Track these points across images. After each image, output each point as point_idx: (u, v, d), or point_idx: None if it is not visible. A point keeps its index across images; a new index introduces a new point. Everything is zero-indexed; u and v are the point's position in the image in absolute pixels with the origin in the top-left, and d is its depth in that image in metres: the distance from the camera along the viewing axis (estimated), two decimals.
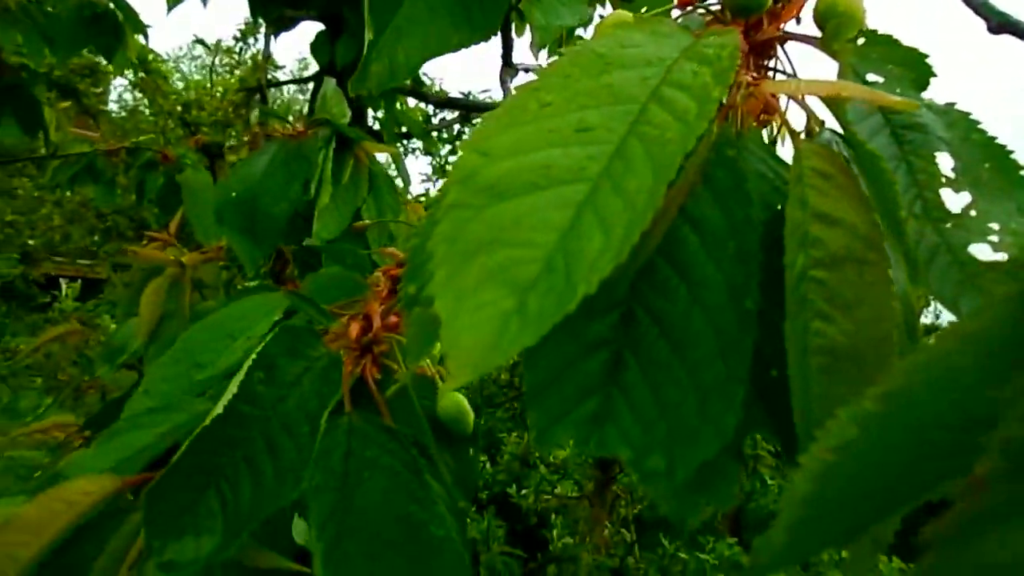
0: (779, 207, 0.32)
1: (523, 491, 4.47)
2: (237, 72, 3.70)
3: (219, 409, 0.34)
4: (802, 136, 0.30)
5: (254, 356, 0.37)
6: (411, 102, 2.06)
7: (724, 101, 0.28)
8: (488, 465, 5.30)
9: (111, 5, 2.14)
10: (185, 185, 1.75)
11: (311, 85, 1.75)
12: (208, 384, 0.51)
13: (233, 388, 0.36)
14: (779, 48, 0.37)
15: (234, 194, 0.97)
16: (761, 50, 0.37)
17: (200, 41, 3.36)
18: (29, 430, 1.12)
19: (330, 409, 0.39)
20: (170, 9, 1.39)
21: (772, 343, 0.31)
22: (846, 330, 0.25)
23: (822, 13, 0.34)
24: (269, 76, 1.85)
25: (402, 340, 0.47)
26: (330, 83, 1.02)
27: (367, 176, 1.01)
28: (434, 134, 2.21)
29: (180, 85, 4.30)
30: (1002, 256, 0.29)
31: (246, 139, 2.28)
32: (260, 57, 3.13)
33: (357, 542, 0.38)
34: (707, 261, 0.27)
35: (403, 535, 0.40)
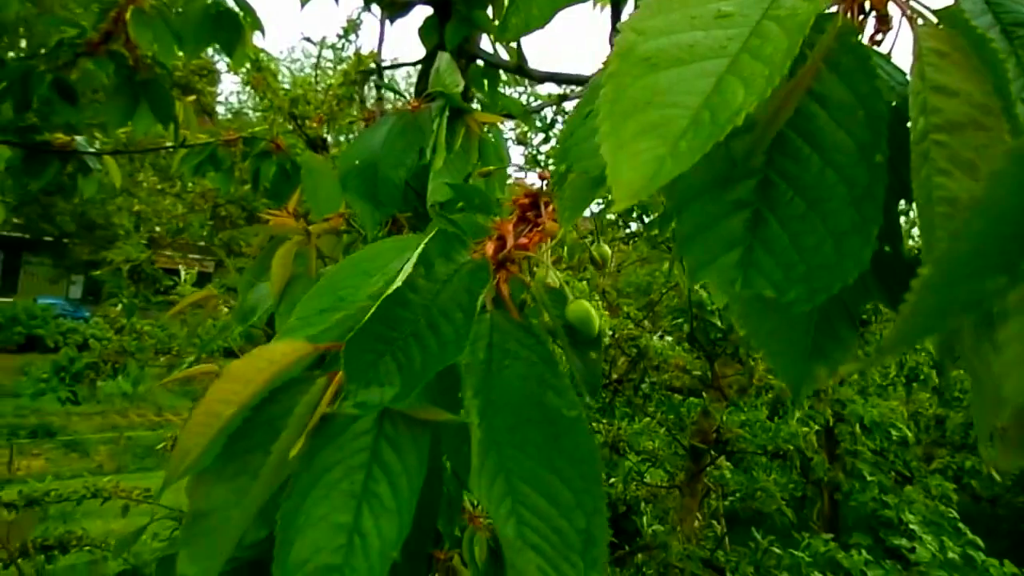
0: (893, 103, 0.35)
1: (611, 479, 4.49)
2: (341, 67, 3.89)
3: (393, 288, 0.40)
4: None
5: (416, 255, 0.44)
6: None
7: None
8: None
9: (233, 4, 2.30)
10: (304, 165, 1.87)
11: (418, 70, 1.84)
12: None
13: (402, 277, 0.42)
14: None
15: (357, 162, 1.06)
16: None
17: (307, 39, 3.55)
18: (173, 377, 1.25)
19: (480, 301, 0.44)
20: (304, 5, 1.49)
21: (887, 223, 0.35)
22: (966, 186, 0.28)
23: None
24: (379, 62, 1.95)
25: (532, 255, 0.53)
26: (444, 56, 1.09)
27: (477, 144, 1.08)
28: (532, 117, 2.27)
29: (286, 84, 4.54)
30: None
31: (363, 117, 2.41)
32: (370, 52, 3.30)
33: (500, 415, 0.44)
34: (837, 130, 0.31)
35: (539, 415, 0.45)
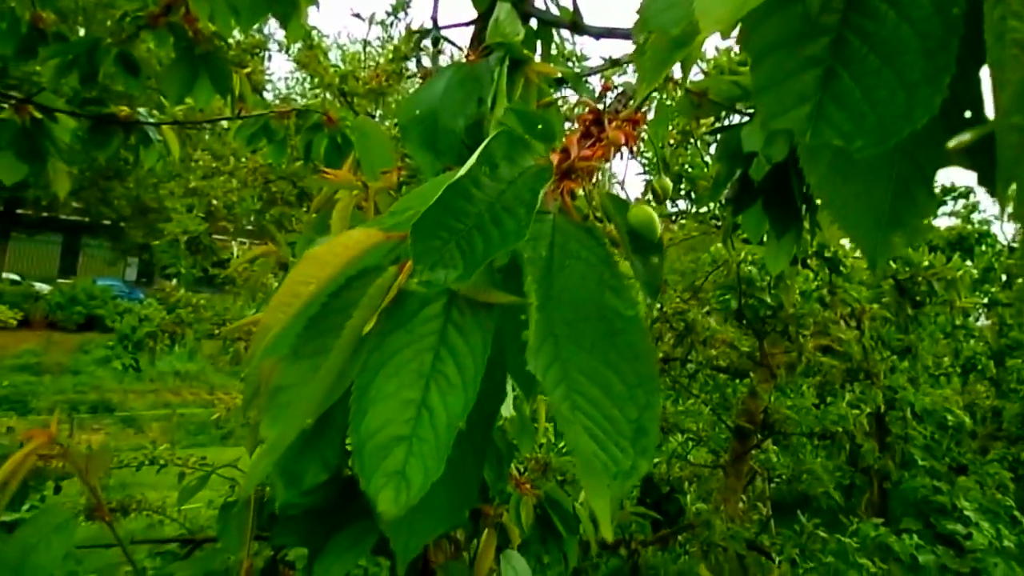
0: None
1: (655, 460, 4.48)
2: (389, 45, 3.93)
3: (456, 177, 0.42)
4: None
5: (481, 150, 0.45)
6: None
7: None
8: None
9: None
10: (357, 128, 1.91)
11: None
12: None
13: (467, 166, 0.43)
14: None
15: (417, 112, 1.08)
16: None
17: (356, 15, 3.60)
18: (232, 328, 1.29)
19: (542, 196, 0.46)
20: None
21: (968, 89, 0.35)
22: None
23: None
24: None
25: (595, 165, 0.54)
26: (504, 6, 1.10)
27: (536, 94, 1.09)
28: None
29: (337, 62, 4.60)
30: None
31: (421, 75, 2.44)
32: (417, 26, 3.33)
33: (559, 310, 0.45)
34: None
35: (597, 313, 0.46)
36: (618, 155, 0.59)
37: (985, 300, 6.63)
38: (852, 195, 0.41)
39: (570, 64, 2.42)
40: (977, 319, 7.36)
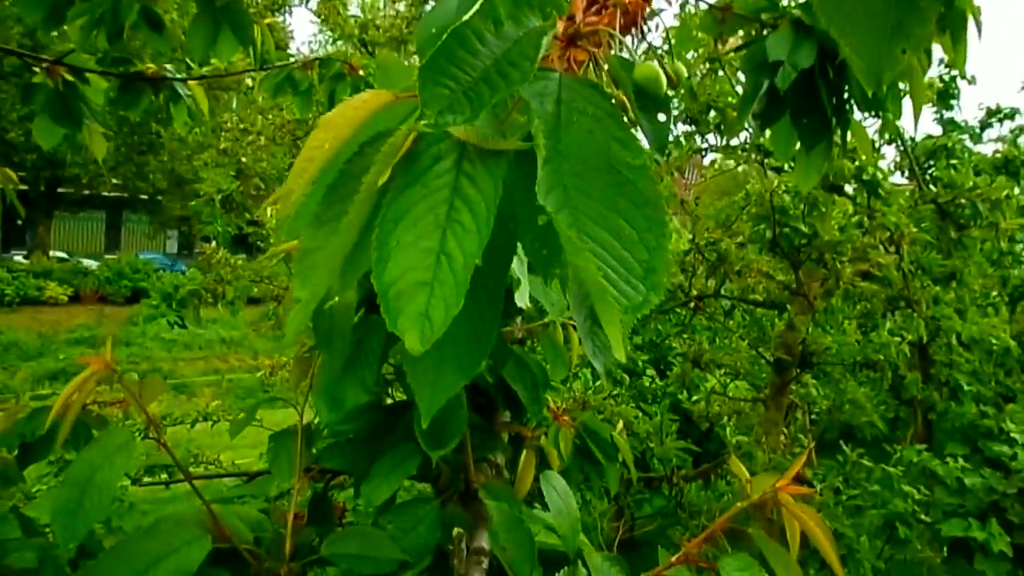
0: None
1: (694, 397, 4.49)
2: None
3: (459, 23, 0.43)
4: None
5: (481, 3, 0.46)
6: None
7: None
8: (657, 379, 5.35)
9: None
10: (380, 62, 1.92)
11: None
12: None
13: (467, 16, 0.44)
14: None
15: (434, 30, 1.08)
16: None
17: None
18: (272, 252, 1.32)
19: (546, 47, 0.46)
20: None
21: None
22: None
23: None
24: None
25: (602, 29, 0.54)
26: None
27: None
28: None
29: (356, 12, 4.58)
30: None
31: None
32: None
33: (567, 162, 0.46)
34: None
35: (605, 164, 0.47)
36: (628, 28, 0.60)
37: None
38: (855, 8, 0.41)
39: None
40: None
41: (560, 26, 0.54)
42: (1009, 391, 5.24)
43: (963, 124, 6.58)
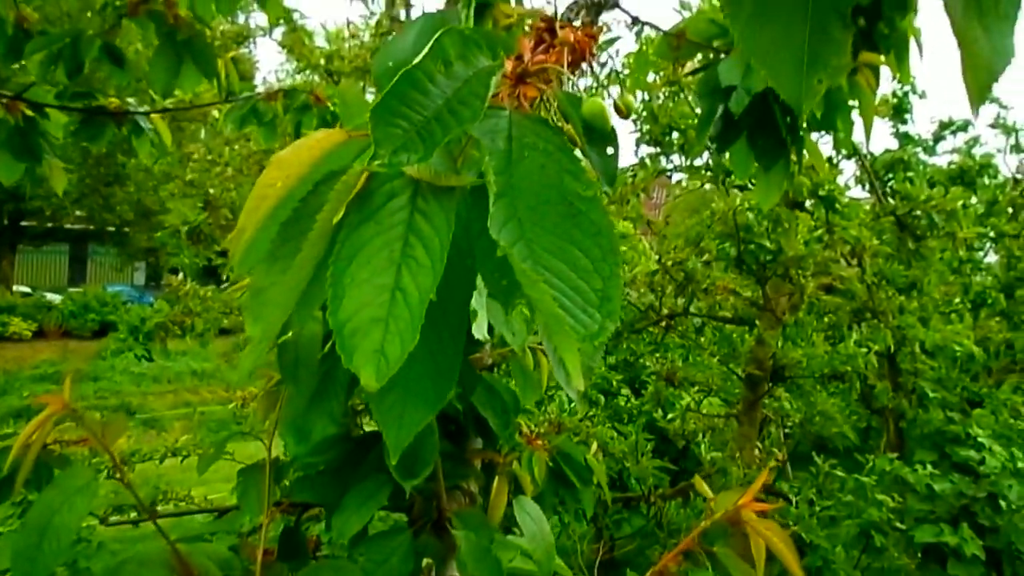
0: None
1: (669, 416, 4.51)
2: (372, 21, 3.92)
3: (412, 64, 0.44)
4: None
5: (432, 44, 0.47)
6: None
7: None
8: (633, 398, 5.37)
9: None
10: (340, 94, 1.93)
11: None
12: None
13: (418, 59, 0.45)
14: None
15: (390, 63, 1.09)
16: None
17: None
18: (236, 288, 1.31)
19: (495, 85, 0.48)
20: None
21: None
22: None
23: None
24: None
25: (552, 67, 0.56)
26: None
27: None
28: None
29: (322, 43, 4.60)
30: None
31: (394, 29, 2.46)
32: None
33: (521, 196, 0.48)
34: None
35: (558, 196, 0.49)
36: (576, 64, 0.61)
37: (991, 233, 6.58)
38: (773, 41, 0.43)
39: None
40: (986, 254, 7.31)
41: (509, 65, 0.55)
42: (976, 396, 5.36)
43: (917, 137, 6.78)
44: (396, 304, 0.43)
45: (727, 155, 1.79)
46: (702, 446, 3.87)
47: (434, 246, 0.44)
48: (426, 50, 0.46)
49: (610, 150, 0.56)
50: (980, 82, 0.40)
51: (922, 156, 6.80)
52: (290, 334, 0.85)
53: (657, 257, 3.24)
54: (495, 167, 0.47)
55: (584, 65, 0.62)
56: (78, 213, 19.82)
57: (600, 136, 0.55)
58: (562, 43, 0.55)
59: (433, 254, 0.44)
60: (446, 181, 0.45)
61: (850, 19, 0.41)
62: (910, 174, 5.24)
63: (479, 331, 0.94)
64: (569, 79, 0.56)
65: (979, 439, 3.49)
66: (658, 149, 3.70)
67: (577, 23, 0.77)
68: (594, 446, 2.28)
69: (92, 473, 1.03)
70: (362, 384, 0.42)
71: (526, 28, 0.60)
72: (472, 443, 1.62)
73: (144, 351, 3.83)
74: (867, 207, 3.78)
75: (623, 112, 0.82)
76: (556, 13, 0.59)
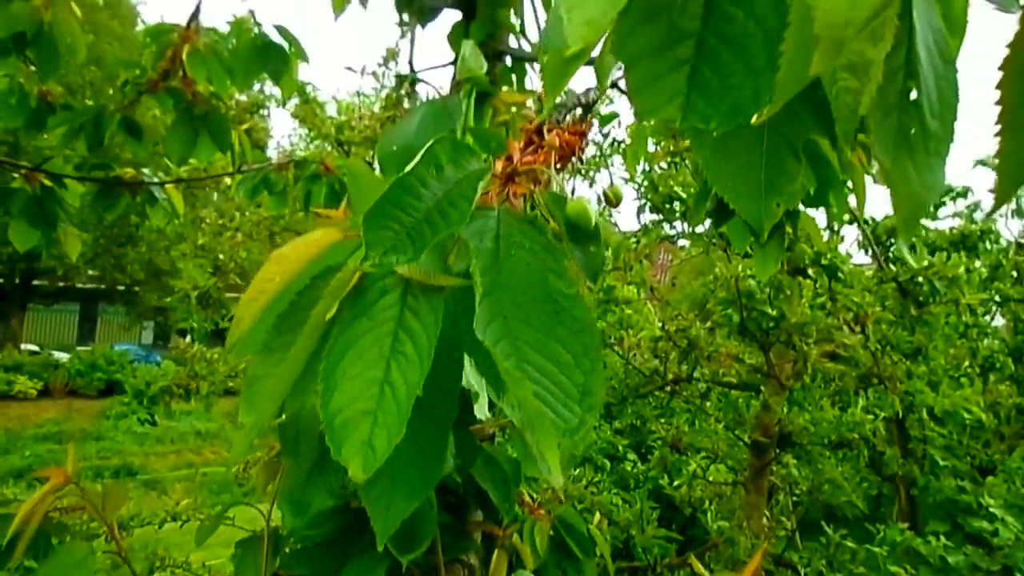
0: None
1: (675, 482, 4.44)
2: (382, 94, 4.06)
3: (404, 172, 0.48)
4: None
5: (425, 150, 0.51)
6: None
7: None
8: (639, 463, 5.30)
9: (278, 37, 2.46)
10: (348, 170, 1.98)
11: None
12: None
13: (411, 166, 0.49)
14: None
15: (394, 148, 1.14)
16: None
17: (349, 68, 3.73)
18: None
19: (482, 189, 0.51)
20: (337, 16, 1.60)
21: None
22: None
23: None
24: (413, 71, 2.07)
25: (539, 168, 0.59)
26: (468, 44, 1.18)
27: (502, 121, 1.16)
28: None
29: (333, 114, 4.75)
30: None
31: (401, 116, 2.54)
32: (404, 73, 3.44)
33: (507, 293, 0.50)
34: None
35: (542, 294, 0.52)
36: (568, 161, 0.65)
37: (997, 297, 6.58)
38: (733, 171, 0.46)
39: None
40: (992, 318, 7.28)
41: (499, 165, 0.59)
42: (989, 462, 5.26)
43: None
44: (384, 398, 0.46)
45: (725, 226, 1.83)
46: (709, 514, 3.80)
47: (422, 343, 0.47)
48: (420, 156, 0.50)
49: (593, 248, 0.59)
50: (911, 215, 0.43)
51: (924, 221, 6.85)
52: (283, 417, 0.87)
53: (660, 324, 3.26)
54: (482, 266, 0.50)
55: (576, 154, 0.66)
56: (90, 272, 20.06)
57: (584, 235, 0.58)
58: (549, 146, 0.59)
59: (422, 351, 0.46)
60: (435, 281, 0.48)
61: (801, 153, 0.45)
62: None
63: (481, 412, 0.96)
64: (554, 180, 0.59)
65: (991, 509, 3.42)
66: (660, 216, 3.76)
67: (570, 117, 0.82)
68: (597, 516, 2.25)
69: (88, 548, 1.04)
70: (350, 475, 0.44)
71: (519, 127, 0.64)
72: (472, 515, 1.61)
73: (148, 415, 3.83)
74: (869, 273, 3.81)
75: (612, 201, 0.86)
76: (545, 112, 0.63)
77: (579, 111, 0.77)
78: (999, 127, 0.32)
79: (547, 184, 0.60)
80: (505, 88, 1.95)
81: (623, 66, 0.40)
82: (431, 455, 0.51)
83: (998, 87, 0.32)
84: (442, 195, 0.51)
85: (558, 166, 0.62)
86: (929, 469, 4.50)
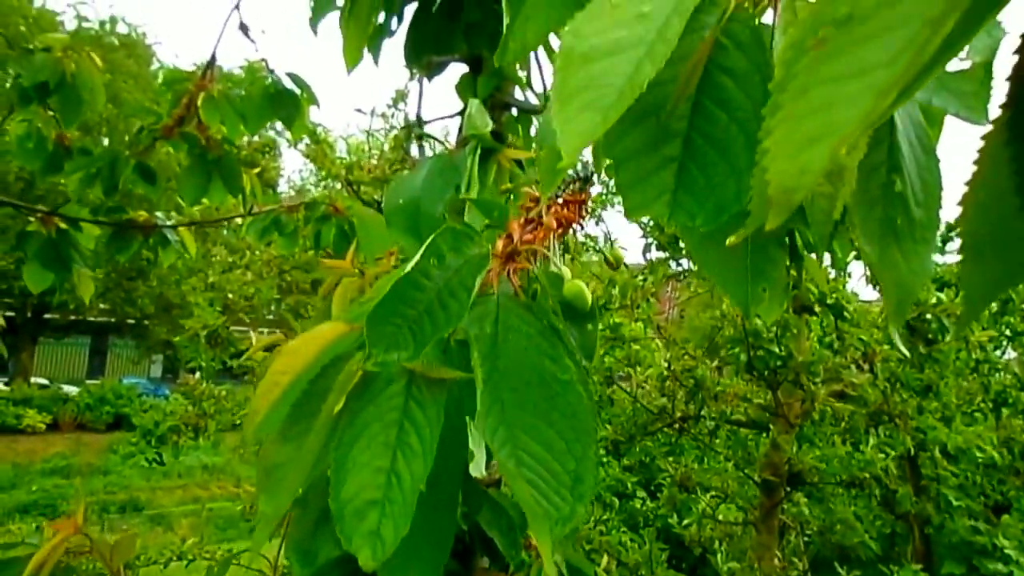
0: None
1: (685, 521, 4.40)
2: (391, 134, 4.13)
3: (407, 269, 0.50)
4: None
5: (427, 245, 0.53)
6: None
7: None
8: (648, 500, 5.25)
9: (290, 83, 2.52)
10: (358, 217, 2.04)
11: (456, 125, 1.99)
12: None
13: (414, 260, 0.51)
14: None
15: (400, 201, 1.17)
16: None
17: (359, 110, 3.81)
18: (245, 357, 1.36)
19: (480, 281, 0.53)
20: (350, 71, 1.65)
21: None
22: None
23: None
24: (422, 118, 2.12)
25: (538, 248, 0.62)
26: (474, 102, 1.21)
27: (508, 177, 1.18)
28: None
29: (343, 153, 4.83)
30: None
31: (409, 167, 2.58)
32: (413, 118, 3.51)
33: (504, 379, 0.52)
34: (739, 93, 0.40)
35: (538, 378, 0.53)
36: (564, 233, 0.68)
37: (1008, 332, 6.54)
38: (720, 257, 0.48)
39: None
40: (1003, 353, 7.22)
41: (500, 244, 0.61)
42: (1005, 499, 5.18)
43: None
44: (391, 488, 0.47)
45: None
46: (719, 555, 3.76)
47: (426, 435, 0.49)
48: (423, 249, 0.52)
49: (590, 327, 0.61)
50: (900, 301, 0.44)
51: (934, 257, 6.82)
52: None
53: (667, 364, 3.27)
54: (481, 354, 0.52)
55: (577, 222, 0.68)
56: (101, 306, 20.22)
57: (580, 315, 0.60)
58: (547, 226, 0.61)
59: (426, 443, 0.48)
60: (437, 373, 0.50)
61: (785, 240, 0.47)
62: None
63: (476, 470, 0.97)
64: (553, 259, 0.61)
65: (1006, 551, 3.37)
66: (667, 253, 3.78)
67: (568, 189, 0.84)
68: (605, 559, 2.23)
69: None
70: (360, 564, 0.46)
71: (520, 204, 0.67)
72: (478, 562, 1.61)
73: (156, 455, 3.84)
74: (876, 310, 3.80)
75: (613, 264, 0.88)
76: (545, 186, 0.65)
77: (577, 184, 0.79)
78: (961, 256, 0.34)
79: (546, 259, 0.62)
80: (511, 138, 2.00)
81: (613, 164, 0.42)
82: (438, 539, 0.52)
83: (957, 223, 0.34)
84: (443, 284, 0.53)
85: (558, 238, 0.64)
86: (944, 507, 4.43)
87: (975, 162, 0.30)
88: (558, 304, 0.59)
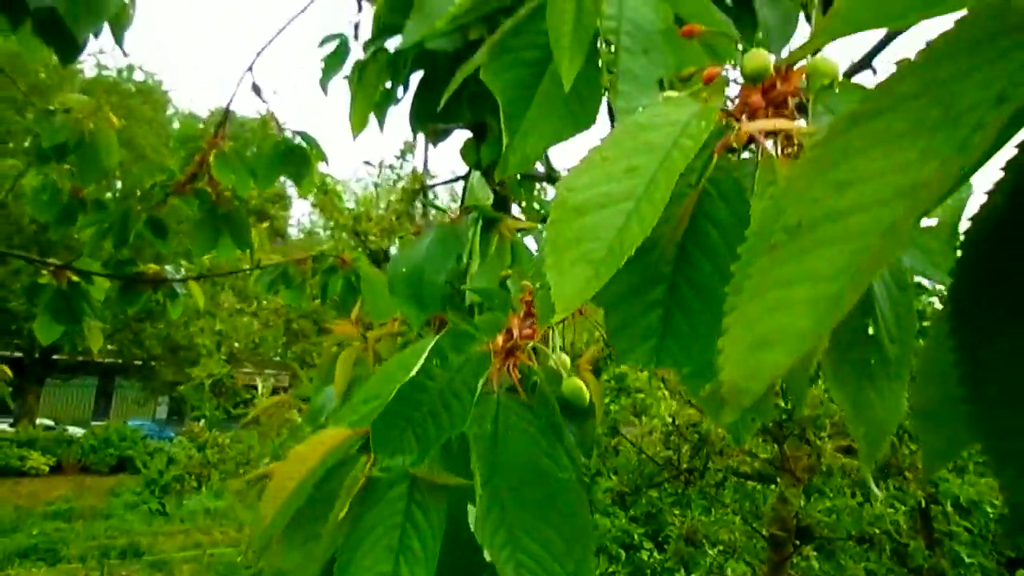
0: None
1: (693, 575, 4.32)
2: (399, 185, 4.20)
3: (412, 374, 0.52)
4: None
5: (431, 347, 0.55)
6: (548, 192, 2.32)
7: (721, 138, 0.43)
8: (655, 552, 5.17)
9: (299, 140, 2.58)
10: (364, 277, 2.06)
11: (461, 184, 2.04)
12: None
13: (417, 365, 0.53)
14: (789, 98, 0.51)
15: (404, 269, 1.20)
16: (776, 101, 0.52)
17: (367, 162, 3.88)
18: (249, 477, 1.36)
19: (483, 382, 0.55)
20: (356, 136, 1.70)
21: None
22: None
23: (808, 70, 0.48)
24: (427, 181, 2.17)
25: (537, 346, 0.63)
26: (476, 174, 1.25)
27: (509, 248, 1.21)
28: None
29: (351, 203, 4.90)
30: None
31: (413, 231, 2.62)
32: (419, 171, 3.58)
33: (503, 478, 0.54)
34: (722, 242, 0.42)
35: (536, 477, 0.55)
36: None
37: None
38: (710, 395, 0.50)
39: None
40: None
41: (500, 339, 0.63)
42: (1019, 554, 5.07)
43: (932, 288, 6.85)
44: None
45: None
46: None
47: (428, 539, 0.50)
48: (427, 352, 0.54)
49: (587, 424, 0.62)
50: (874, 441, 0.45)
51: (937, 304, 6.84)
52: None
53: (671, 419, 3.25)
54: (481, 454, 0.53)
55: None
56: (109, 347, 20.27)
57: (578, 412, 0.62)
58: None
59: (427, 547, 0.49)
60: (438, 479, 0.51)
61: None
62: (926, 323, 5.26)
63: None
64: (552, 356, 0.63)
65: None
66: None
67: None
68: None
69: None
70: None
71: (519, 299, 0.69)
72: None
73: (159, 504, 3.82)
74: None
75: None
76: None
77: None
78: (915, 422, 0.36)
79: (544, 355, 0.63)
80: (513, 197, 2.04)
81: (603, 310, 0.44)
82: None
83: (914, 374, 0.35)
84: (445, 384, 0.55)
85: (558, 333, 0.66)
86: (957, 563, 4.34)
87: (926, 335, 0.32)
88: (556, 404, 0.61)
